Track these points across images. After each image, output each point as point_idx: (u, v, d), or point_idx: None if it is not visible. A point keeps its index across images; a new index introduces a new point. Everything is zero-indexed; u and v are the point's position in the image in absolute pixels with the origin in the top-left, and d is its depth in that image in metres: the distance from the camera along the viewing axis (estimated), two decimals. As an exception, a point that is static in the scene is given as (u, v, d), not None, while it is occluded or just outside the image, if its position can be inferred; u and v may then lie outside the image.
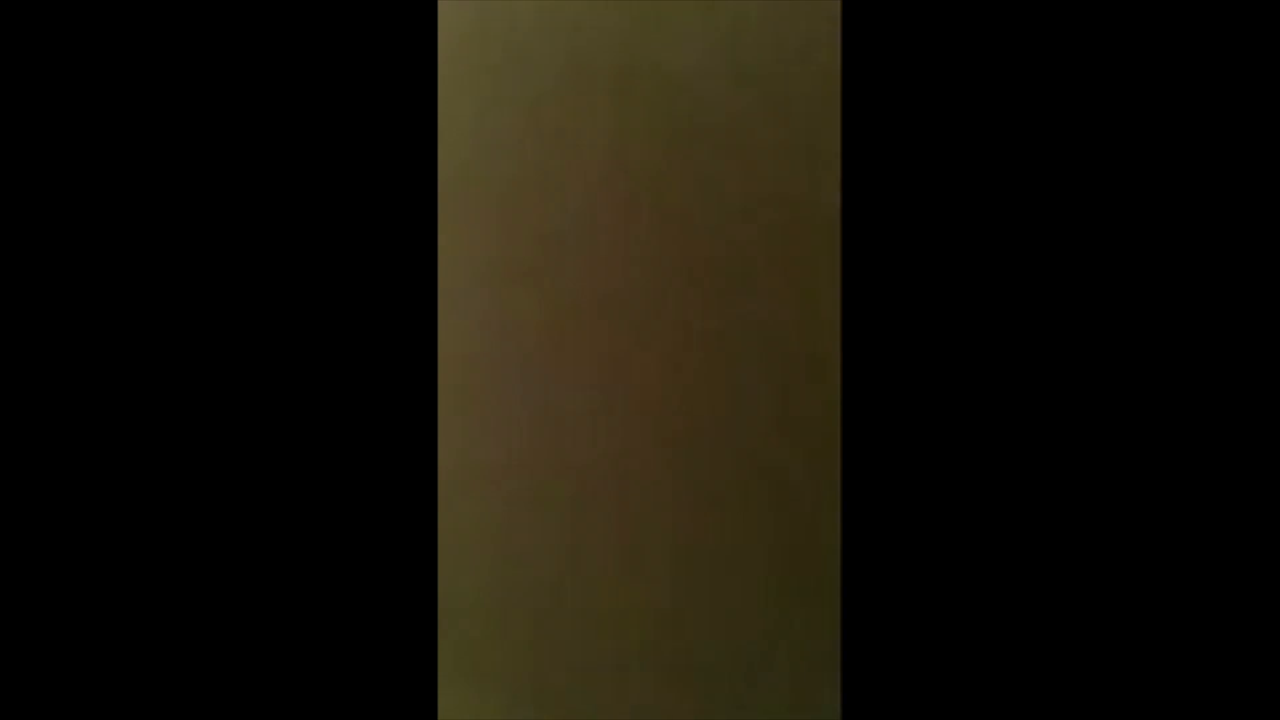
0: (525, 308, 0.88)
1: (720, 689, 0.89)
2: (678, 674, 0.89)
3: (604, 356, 0.89)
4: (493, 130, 0.88)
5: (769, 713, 0.89)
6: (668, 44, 0.88)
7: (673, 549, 0.89)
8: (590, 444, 0.89)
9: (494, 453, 0.89)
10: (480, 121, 0.88)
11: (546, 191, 0.88)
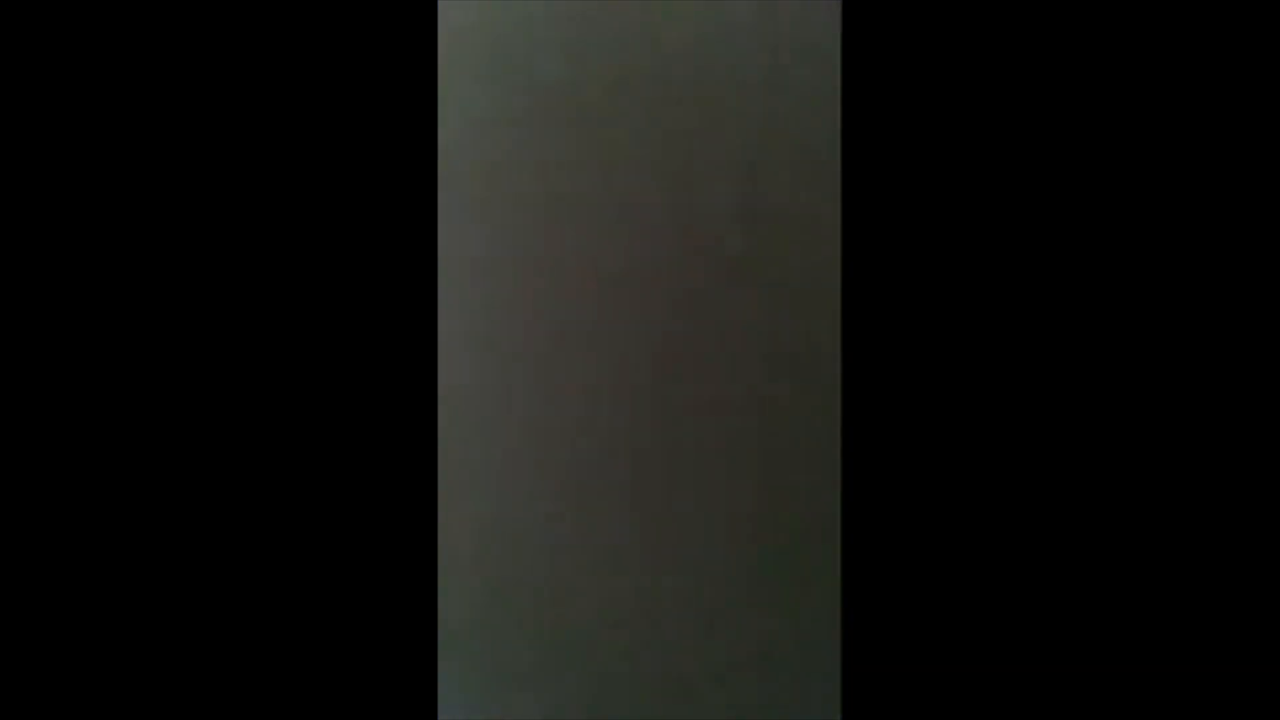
0: (525, 307, 0.88)
1: (720, 689, 0.89)
2: (678, 673, 0.89)
3: (604, 357, 0.89)
4: (493, 130, 0.88)
5: (769, 713, 0.89)
6: (667, 44, 0.88)
7: (673, 548, 0.89)
8: (590, 445, 0.89)
9: (494, 452, 0.89)
10: (480, 121, 0.88)
11: (546, 191, 0.88)
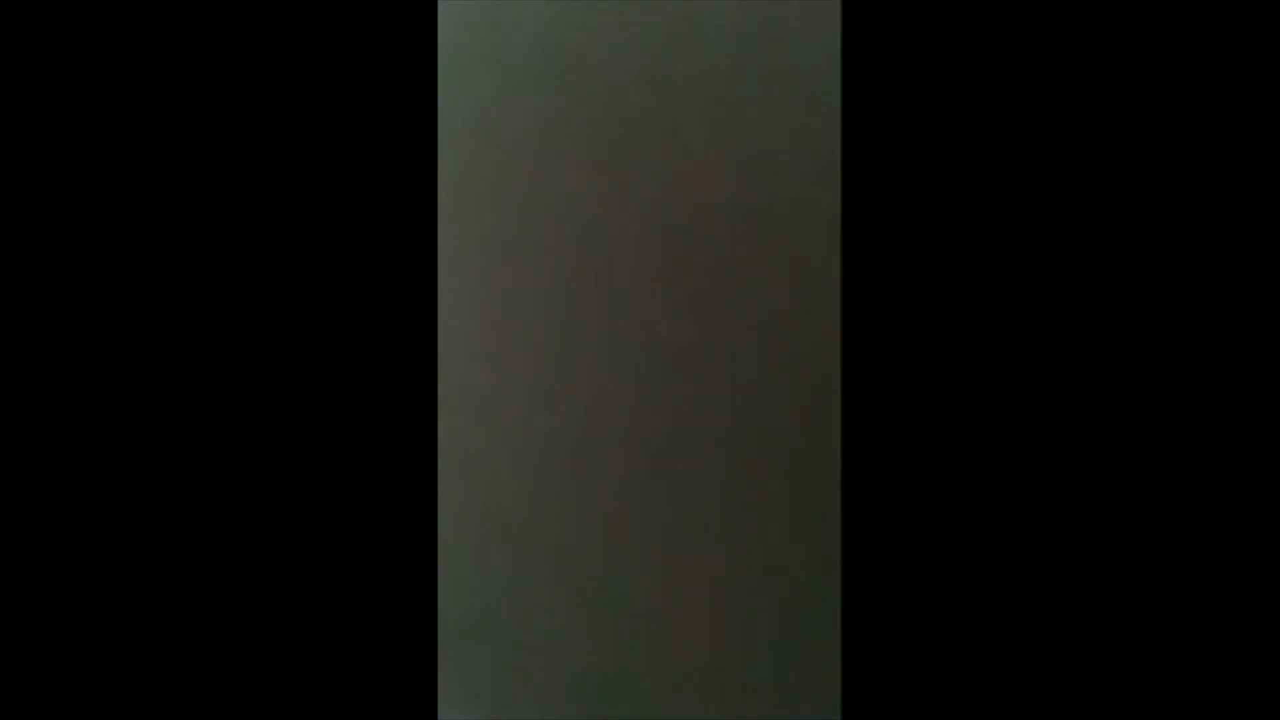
0: (525, 307, 0.88)
1: (720, 689, 0.89)
2: (677, 673, 0.89)
3: (604, 356, 0.89)
4: (492, 130, 0.88)
5: (769, 712, 0.89)
6: (667, 44, 0.88)
7: (672, 548, 0.89)
8: (589, 445, 0.89)
9: (494, 452, 0.89)
10: (480, 121, 0.88)
11: (546, 191, 0.88)
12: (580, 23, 0.88)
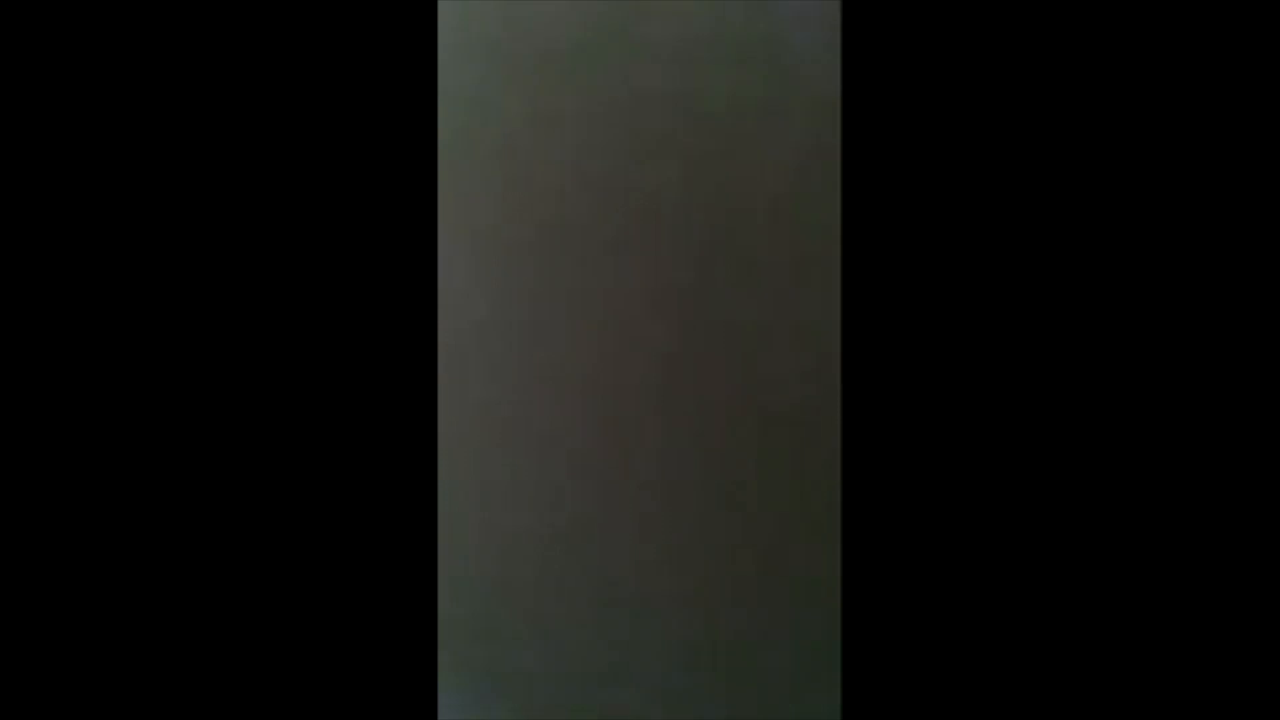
0: (525, 306, 0.88)
1: (720, 689, 0.89)
2: (677, 673, 0.89)
3: (603, 355, 0.89)
4: (491, 131, 0.88)
5: (769, 712, 0.89)
6: (667, 45, 0.88)
7: (672, 549, 0.89)
8: (589, 445, 0.89)
9: (494, 452, 0.89)
10: (480, 121, 0.88)
11: (546, 190, 0.88)
12: (580, 23, 0.88)
